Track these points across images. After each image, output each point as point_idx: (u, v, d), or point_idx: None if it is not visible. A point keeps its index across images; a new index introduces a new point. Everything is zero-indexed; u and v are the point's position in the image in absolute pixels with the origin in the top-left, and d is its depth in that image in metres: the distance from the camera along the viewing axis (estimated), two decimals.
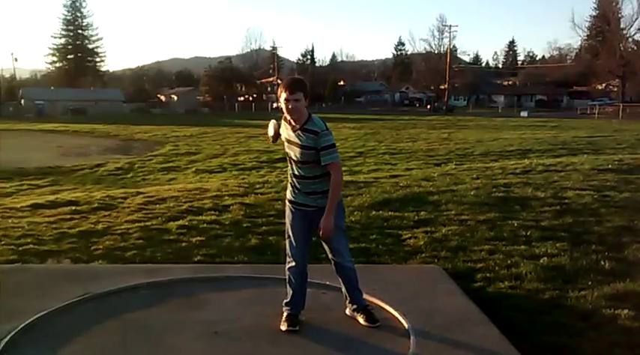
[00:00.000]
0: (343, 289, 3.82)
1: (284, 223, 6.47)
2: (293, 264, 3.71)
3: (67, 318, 3.79)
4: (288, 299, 3.74)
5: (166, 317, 3.87)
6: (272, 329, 3.65)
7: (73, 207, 7.64)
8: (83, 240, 5.95)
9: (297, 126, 3.53)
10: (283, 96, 3.48)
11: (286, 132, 3.61)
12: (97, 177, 14.26)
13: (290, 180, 3.72)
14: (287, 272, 3.74)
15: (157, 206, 7.67)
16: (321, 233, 3.53)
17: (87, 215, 7.21)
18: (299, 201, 3.68)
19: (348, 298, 3.82)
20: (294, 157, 3.60)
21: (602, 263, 5.22)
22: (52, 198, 8.75)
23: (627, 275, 4.87)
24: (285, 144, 3.63)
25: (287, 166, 3.78)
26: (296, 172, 3.64)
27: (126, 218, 6.96)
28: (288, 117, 3.55)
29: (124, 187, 11.40)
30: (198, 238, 6.03)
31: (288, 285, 3.74)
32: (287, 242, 3.75)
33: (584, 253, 5.52)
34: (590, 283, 4.73)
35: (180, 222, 6.67)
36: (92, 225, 6.59)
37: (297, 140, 3.53)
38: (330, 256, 3.76)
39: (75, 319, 3.78)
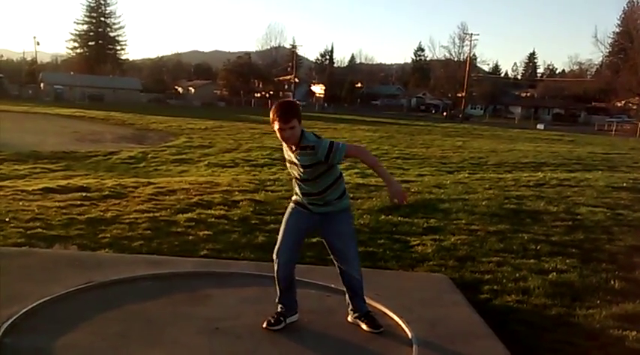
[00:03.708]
0: (347, 296, 3.79)
1: None
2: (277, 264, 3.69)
3: (69, 305, 3.78)
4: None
5: (168, 310, 3.85)
6: None
7: (84, 194, 7.68)
8: (91, 227, 5.97)
9: (294, 148, 3.49)
10: (277, 125, 3.41)
11: (287, 152, 3.58)
12: (110, 165, 14.32)
13: (299, 193, 3.66)
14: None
15: (167, 197, 7.68)
16: (397, 200, 3.49)
17: (97, 202, 7.23)
18: (313, 210, 3.64)
19: (351, 305, 3.78)
20: (297, 175, 3.58)
21: (612, 282, 5.14)
22: (63, 183, 8.79)
23: (637, 296, 4.79)
24: (287, 164, 3.62)
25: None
26: (305, 189, 3.60)
27: (135, 207, 6.98)
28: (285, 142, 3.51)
29: (136, 176, 11.44)
30: (206, 232, 6.02)
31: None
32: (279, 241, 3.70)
33: (594, 271, 5.44)
34: (598, 302, 4.66)
35: (189, 215, 6.67)
36: (101, 213, 6.61)
37: (296, 161, 3.50)
38: (337, 263, 3.72)
39: (77, 307, 3.78)
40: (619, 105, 75.56)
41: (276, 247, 3.70)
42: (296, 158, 3.49)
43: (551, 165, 16.64)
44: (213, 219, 6.57)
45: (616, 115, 68.58)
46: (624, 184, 10.59)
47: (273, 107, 3.49)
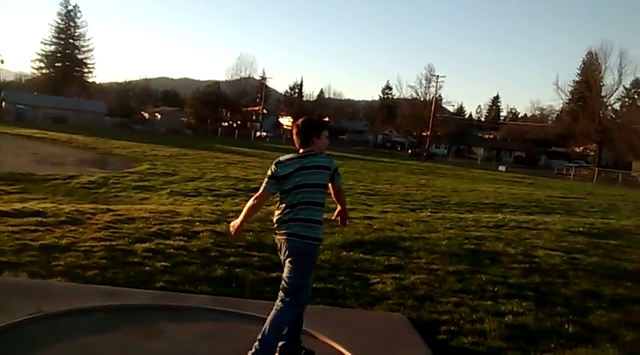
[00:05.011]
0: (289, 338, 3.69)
1: (252, 255, 6.46)
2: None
3: (14, 337, 3.63)
4: None
5: (119, 344, 3.74)
6: None
7: (40, 219, 7.45)
8: (44, 254, 5.77)
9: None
10: (327, 133, 3.76)
11: None
12: (69, 189, 13.97)
13: (320, 218, 3.61)
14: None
15: (126, 225, 7.52)
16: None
17: (52, 228, 7.02)
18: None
19: (293, 346, 3.71)
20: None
21: (566, 326, 5.22)
22: (19, 206, 8.53)
23: (590, 340, 4.88)
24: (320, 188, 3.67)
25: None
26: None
27: (92, 235, 6.80)
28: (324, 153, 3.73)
29: (95, 202, 11.18)
30: (163, 263, 5.89)
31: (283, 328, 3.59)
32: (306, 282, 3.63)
33: (548, 314, 5.52)
34: (552, 346, 4.71)
35: (147, 245, 6.53)
36: (56, 240, 6.41)
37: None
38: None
39: (23, 338, 3.63)
40: (578, 150, 78.09)
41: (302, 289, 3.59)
42: None
43: (511, 207, 16.94)
44: (171, 250, 6.44)
45: (574, 160, 70.77)
46: (581, 228, 10.86)
47: (318, 120, 3.84)
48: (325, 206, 3.61)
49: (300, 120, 3.75)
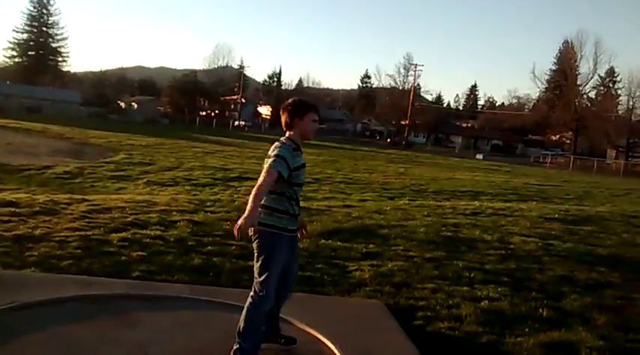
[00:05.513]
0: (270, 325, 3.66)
1: (230, 244, 6.43)
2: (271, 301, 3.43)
3: None
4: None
5: (95, 333, 3.70)
6: (204, 353, 3.52)
7: (13, 209, 7.33)
8: (17, 245, 5.69)
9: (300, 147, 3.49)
10: (315, 117, 3.46)
11: (301, 157, 3.45)
12: (44, 179, 13.77)
13: (292, 209, 3.42)
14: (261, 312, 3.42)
15: (101, 215, 7.43)
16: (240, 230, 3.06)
17: (26, 218, 6.91)
18: (296, 227, 3.52)
19: (275, 331, 3.70)
20: (302, 181, 3.50)
21: (541, 310, 5.29)
22: None
23: (563, 324, 4.96)
24: (300, 171, 3.42)
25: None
26: (299, 197, 3.50)
27: (67, 225, 6.71)
28: (309, 137, 3.51)
29: (70, 192, 11.02)
30: (140, 253, 5.84)
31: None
32: (273, 276, 3.38)
33: (524, 299, 5.60)
34: (527, 330, 4.78)
35: (123, 235, 6.46)
36: (30, 230, 6.31)
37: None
38: (280, 291, 3.54)
39: None
40: (554, 138, 79.15)
41: (272, 284, 3.38)
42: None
43: (488, 195, 17.11)
44: (148, 240, 6.38)
45: (551, 148, 71.73)
46: (556, 215, 11.00)
47: (303, 102, 3.54)
48: (294, 196, 3.48)
49: (289, 100, 3.59)
